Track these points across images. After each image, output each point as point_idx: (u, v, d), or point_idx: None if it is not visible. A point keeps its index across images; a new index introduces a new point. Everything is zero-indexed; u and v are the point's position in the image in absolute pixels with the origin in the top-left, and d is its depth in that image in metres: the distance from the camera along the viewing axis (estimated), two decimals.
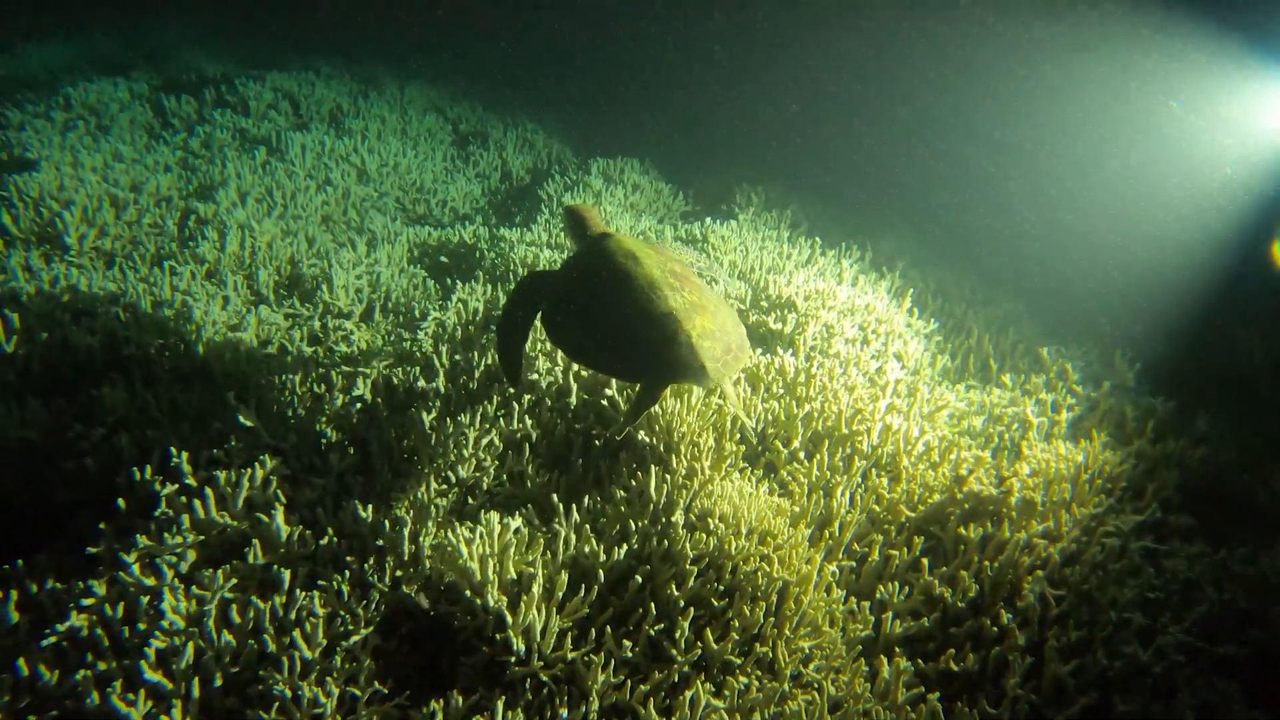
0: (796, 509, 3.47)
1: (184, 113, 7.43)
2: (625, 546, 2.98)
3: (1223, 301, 5.01)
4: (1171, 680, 2.81)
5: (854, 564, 3.35)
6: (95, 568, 2.87)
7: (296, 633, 2.55)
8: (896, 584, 3.20)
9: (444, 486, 3.51)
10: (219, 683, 2.50)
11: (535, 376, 4.11)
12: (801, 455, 3.82)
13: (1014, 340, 5.65)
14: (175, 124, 7.22)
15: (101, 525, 2.98)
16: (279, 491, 3.08)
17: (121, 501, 3.04)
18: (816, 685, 2.79)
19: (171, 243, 5.04)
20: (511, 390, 3.88)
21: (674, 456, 3.39)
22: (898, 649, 3.03)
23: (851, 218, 7.62)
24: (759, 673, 2.81)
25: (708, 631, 2.73)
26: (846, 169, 8.19)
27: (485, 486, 3.59)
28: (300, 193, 6.18)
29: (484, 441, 3.67)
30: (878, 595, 3.19)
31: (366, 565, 2.91)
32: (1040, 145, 7.15)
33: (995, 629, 3.01)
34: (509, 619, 2.64)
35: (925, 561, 3.23)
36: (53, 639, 2.58)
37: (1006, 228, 7.05)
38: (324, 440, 3.50)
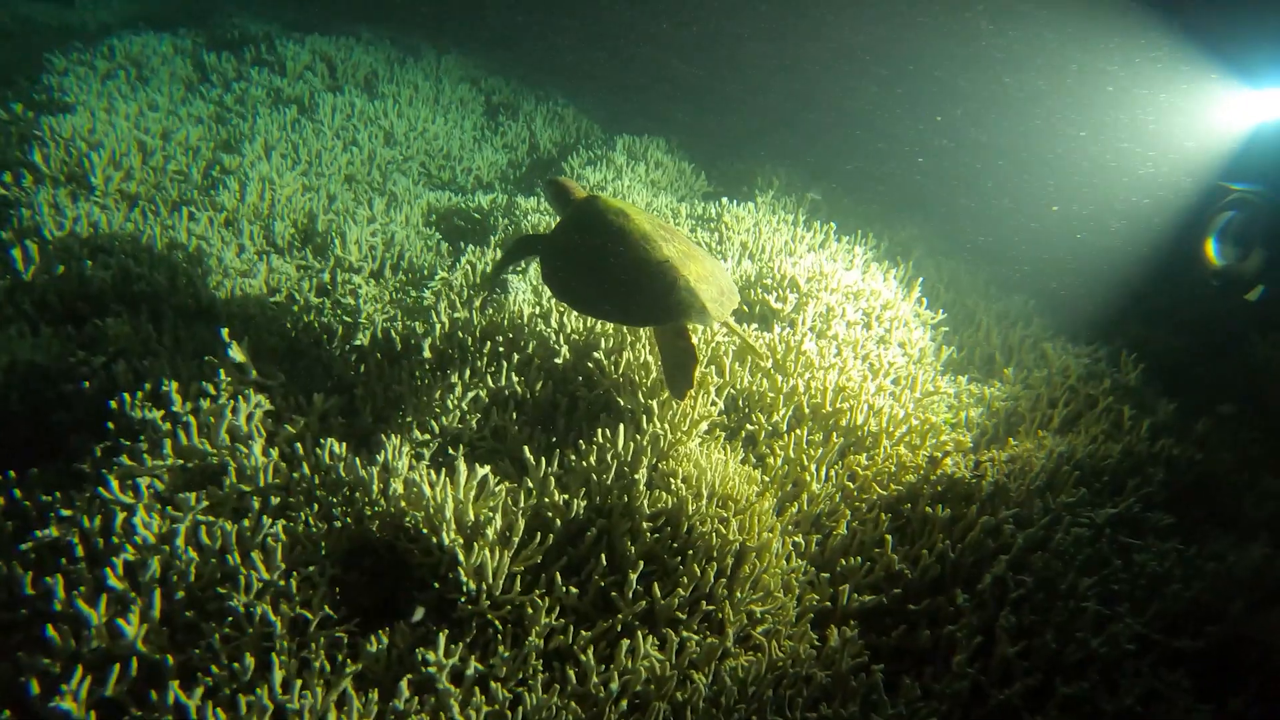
0: (768, 478, 3.49)
1: (223, 69, 7.62)
2: (585, 500, 3.04)
3: (1239, 307, 4.89)
4: (1120, 668, 2.78)
5: (821, 537, 3.37)
6: (81, 484, 3.02)
7: (256, 554, 2.66)
8: (859, 559, 3.21)
9: (426, 436, 3.59)
10: (180, 595, 2.62)
11: (527, 338, 4.18)
12: (783, 429, 3.83)
13: (1023, 335, 5.57)
14: (213, 79, 7.42)
15: (94, 447, 3.14)
16: (260, 426, 3.19)
17: (111, 424, 3.19)
18: (762, 648, 2.82)
19: (194, 190, 5.20)
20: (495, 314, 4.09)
21: (648, 421, 3.43)
22: (853, 622, 3.04)
23: (872, 207, 7.55)
24: (707, 632, 2.85)
25: (655, 585, 2.78)
26: (872, 160, 8.10)
27: (468, 439, 3.67)
28: (326, 151, 6.32)
29: (469, 395, 3.76)
30: (839, 567, 3.21)
31: (334, 499, 3.01)
32: (1054, 147, 7.06)
33: (952, 608, 3.01)
34: (462, 559, 2.71)
35: (889, 538, 3.23)
36: (29, 545, 2.72)
37: (1028, 226, 6.93)
38: (312, 382, 3.60)
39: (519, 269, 5.21)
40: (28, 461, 3.35)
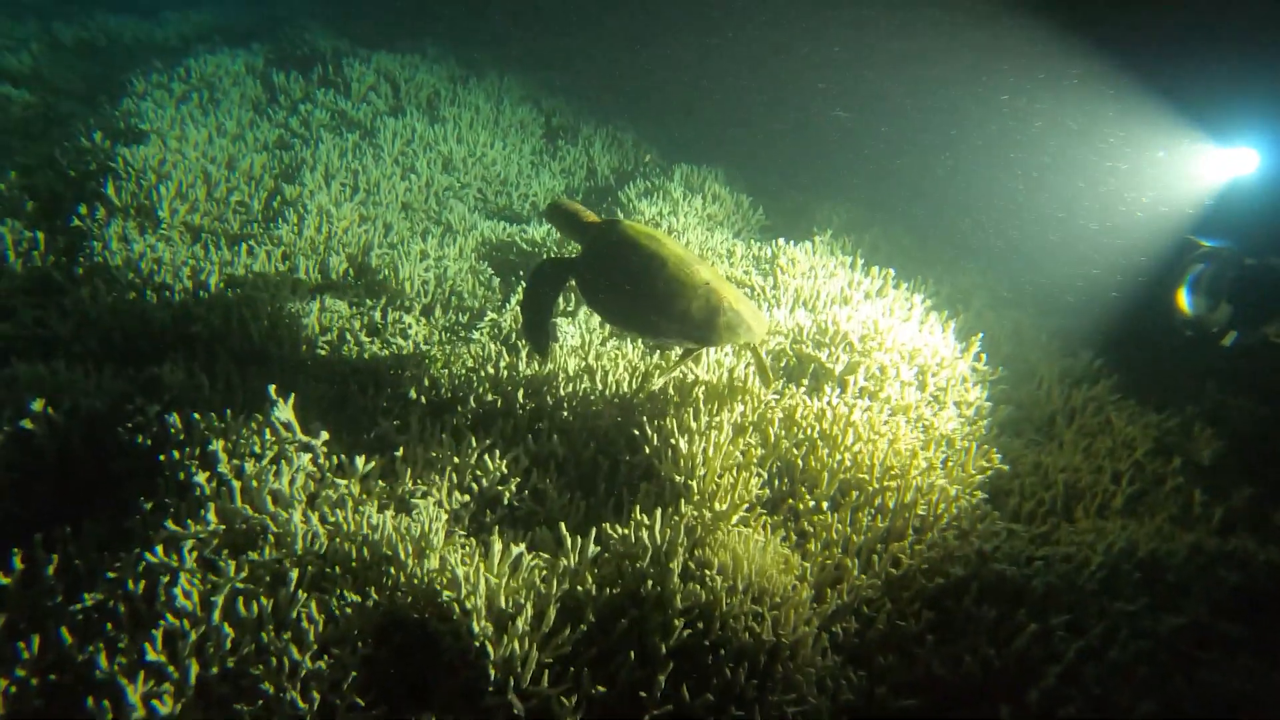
0: (807, 564, 3.39)
1: (290, 89, 7.79)
2: (621, 588, 2.99)
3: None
4: None
5: (859, 627, 3.26)
6: (129, 542, 3.10)
7: (288, 635, 2.68)
8: (898, 656, 3.10)
9: (465, 498, 3.60)
10: (215, 670, 2.66)
11: (569, 390, 4.16)
12: (825, 505, 3.73)
13: (1087, 397, 5.33)
14: (281, 100, 7.59)
15: (142, 498, 3.23)
16: (301, 490, 3.23)
17: (160, 479, 3.27)
18: None
19: (253, 222, 5.32)
20: (539, 368, 4.26)
21: (686, 501, 3.37)
22: None
23: (934, 248, 7.32)
24: None
25: (684, 687, 2.72)
26: (938, 198, 7.86)
27: (506, 500, 3.67)
28: (384, 179, 6.40)
29: (510, 454, 3.75)
30: (877, 664, 3.10)
31: (370, 571, 3.03)
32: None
33: None
34: (490, 652, 2.70)
35: (930, 637, 3.11)
36: (78, 608, 2.80)
37: (1101, 277, 6.64)
38: (355, 441, 3.64)
39: (566, 311, 5.20)
40: (88, 507, 3.47)
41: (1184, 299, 5.26)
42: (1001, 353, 5.72)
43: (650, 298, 3.54)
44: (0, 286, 4.53)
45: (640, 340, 4.98)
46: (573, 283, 4.04)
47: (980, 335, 5.39)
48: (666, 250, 3.65)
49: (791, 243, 6.17)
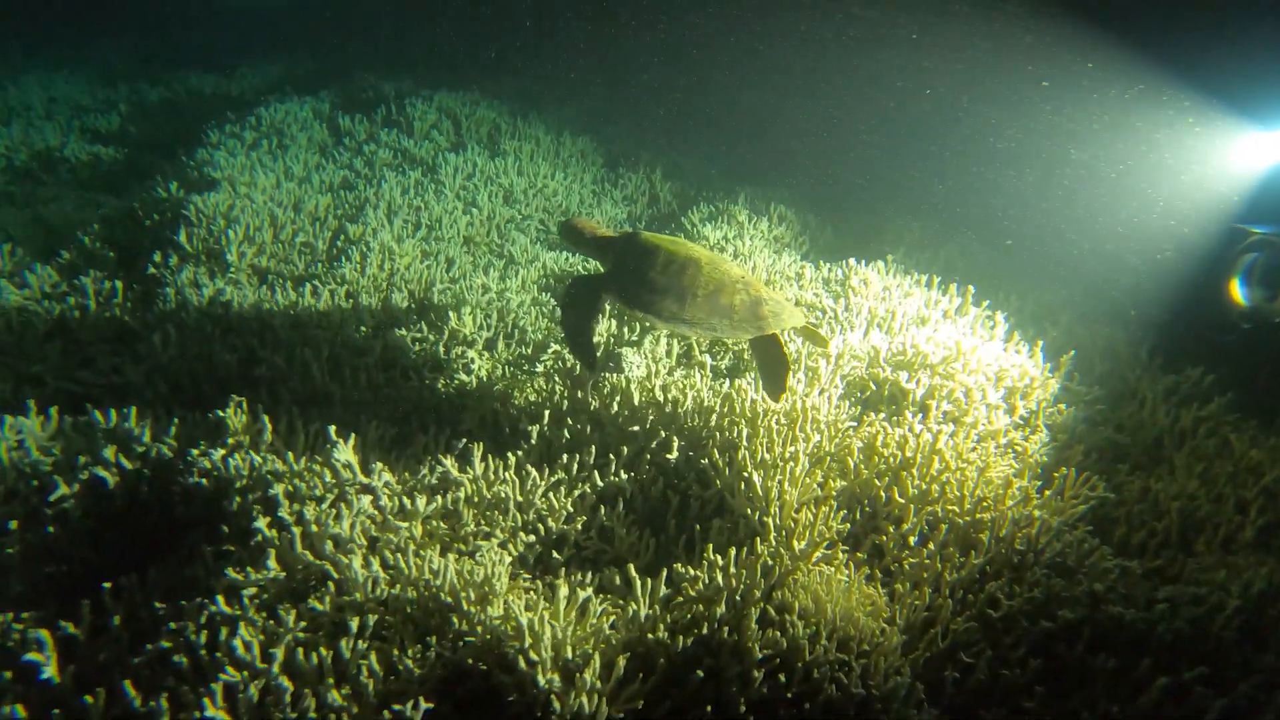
0: (896, 607, 3.12)
1: (355, 131, 7.95)
2: (694, 635, 2.79)
3: None
4: None
5: (957, 675, 2.97)
6: (192, 590, 3.05)
7: (346, 689, 2.57)
8: (1002, 710, 2.80)
9: (531, 538, 3.46)
10: None
11: (636, 428, 4.00)
12: (912, 540, 3.45)
13: (1197, 417, 4.88)
14: (346, 142, 7.74)
15: (206, 544, 3.19)
16: (361, 535, 3.14)
17: (224, 526, 3.23)
18: None
19: (318, 263, 5.36)
20: (589, 384, 4.28)
21: (762, 539, 3.15)
22: None
23: (1015, 264, 6.92)
24: None
25: None
26: (1018, 212, 7.46)
27: (573, 539, 3.52)
28: (446, 215, 6.41)
29: (576, 492, 3.60)
30: (980, 718, 2.81)
31: (433, 619, 2.90)
32: None
33: None
34: (557, 706, 2.52)
35: (1039, 688, 2.80)
36: (140, 659, 2.75)
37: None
38: (417, 483, 3.54)
39: (630, 340, 5.05)
40: (155, 552, 3.46)
41: (1238, 290, 5.19)
42: (1096, 371, 5.32)
43: (694, 297, 3.66)
44: (83, 336, 4.65)
45: (700, 351, 4.83)
46: (609, 297, 4.07)
47: (1073, 353, 5.03)
48: (696, 253, 3.77)
49: (863, 262, 5.91)
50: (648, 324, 4.61)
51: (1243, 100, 6.05)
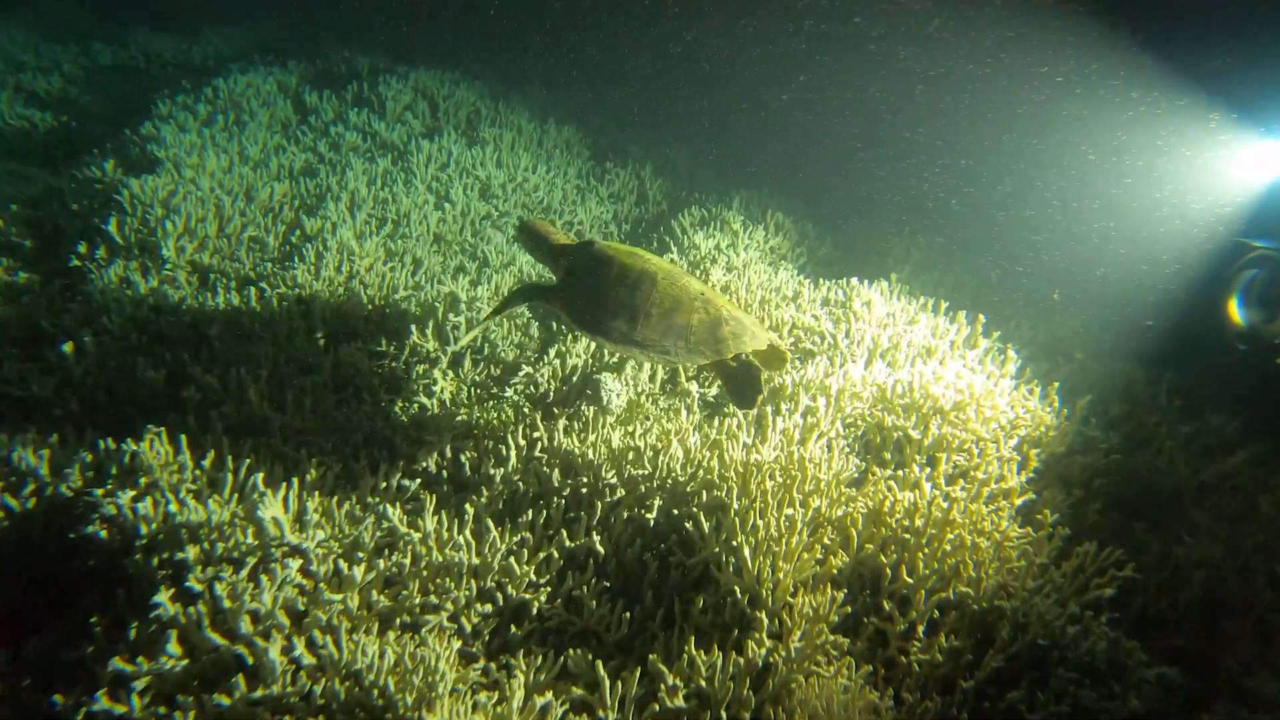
0: (902, 713, 2.71)
1: (322, 110, 7.34)
2: None
3: None
4: None
5: None
6: (76, 672, 2.56)
7: None
8: None
9: (487, 608, 3.00)
10: None
11: (613, 477, 3.54)
12: (921, 630, 3.03)
13: (1222, 472, 4.52)
14: (312, 121, 7.14)
15: (96, 616, 2.70)
16: (283, 613, 2.65)
17: (124, 590, 2.74)
18: None
19: (268, 261, 4.82)
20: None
21: (754, 628, 2.71)
22: None
23: (1028, 289, 6.52)
24: None
25: None
26: (1029, 235, 7.07)
27: (535, 609, 3.06)
28: (415, 209, 5.87)
29: (540, 555, 3.15)
30: None
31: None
32: None
33: None
34: None
35: None
36: None
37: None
38: (357, 542, 3.06)
39: (610, 364, 4.58)
40: (45, 610, 2.96)
41: (1235, 309, 4.90)
42: (1112, 413, 4.94)
43: (648, 318, 3.34)
44: None
45: (686, 378, 4.36)
46: (556, 313, 3.72)
47: (1089, 398, 4.62)
48: (653, 266, 3.44)
49: (865, 282, 5.46)
50: (596, 345, 4.17)
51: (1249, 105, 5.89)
